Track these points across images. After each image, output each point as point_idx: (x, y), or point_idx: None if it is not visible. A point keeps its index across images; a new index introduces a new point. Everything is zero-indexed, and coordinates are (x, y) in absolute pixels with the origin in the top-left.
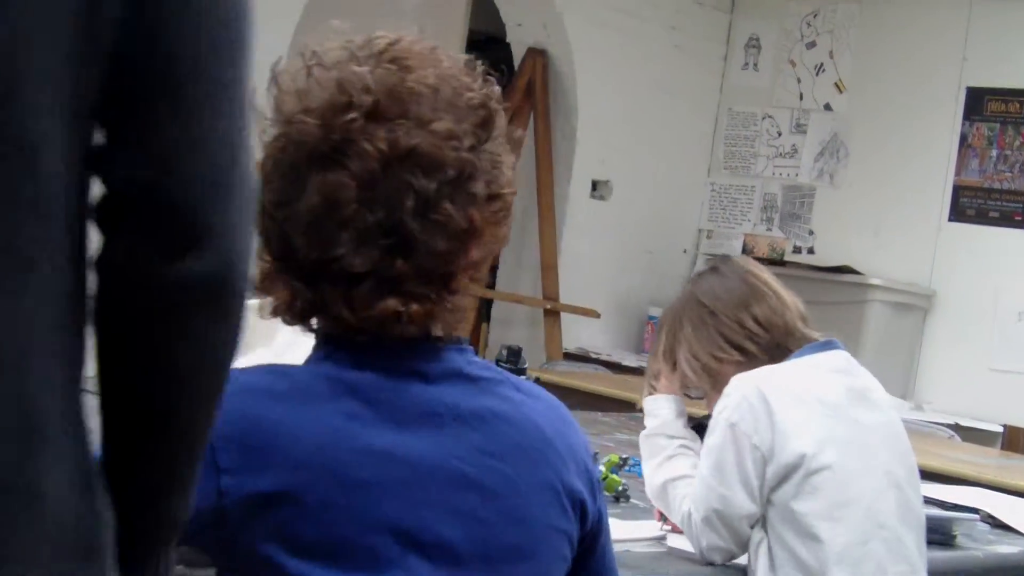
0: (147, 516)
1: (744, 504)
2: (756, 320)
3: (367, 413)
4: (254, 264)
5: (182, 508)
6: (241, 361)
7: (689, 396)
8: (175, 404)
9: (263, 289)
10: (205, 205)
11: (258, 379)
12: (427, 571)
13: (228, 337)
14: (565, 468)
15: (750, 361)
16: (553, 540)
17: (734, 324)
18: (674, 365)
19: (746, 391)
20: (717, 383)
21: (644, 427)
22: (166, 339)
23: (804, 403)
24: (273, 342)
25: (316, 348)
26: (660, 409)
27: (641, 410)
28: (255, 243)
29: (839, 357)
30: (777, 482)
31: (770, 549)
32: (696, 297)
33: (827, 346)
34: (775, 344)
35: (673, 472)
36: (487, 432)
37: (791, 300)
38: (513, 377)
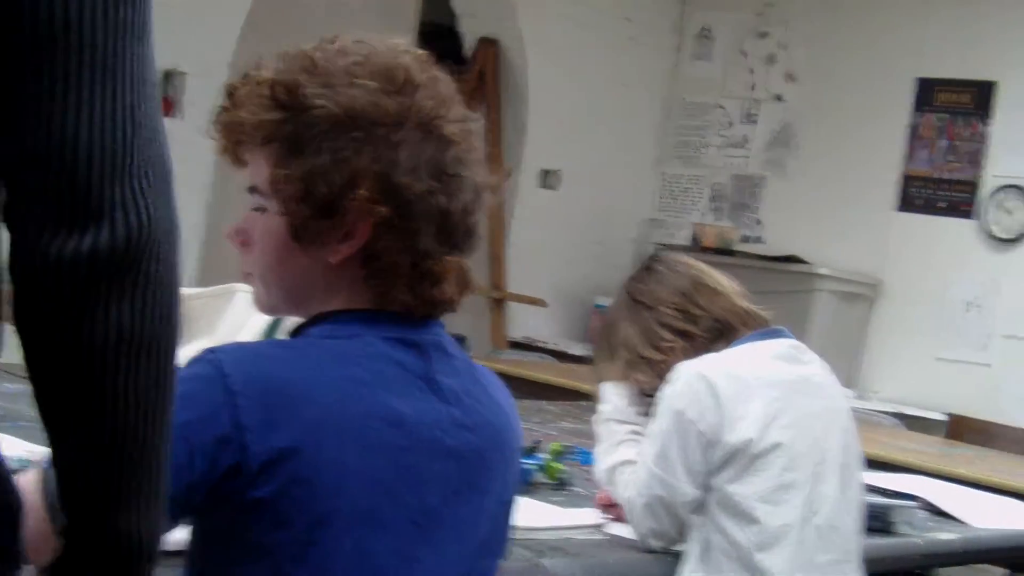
0: (99, 539)
1: (687, 491)
2: (695, 303)
3: (371, 380)
4: (172, 243)
5: (142, 532)
6: (184, 351)
7: (646, 395)
8: (92, 392)
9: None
10: (96, 179)
11: (270, 348)
12: (411, 534)
13: (139, 316)
14: (518, 446)
15: (695, 347)
16: (503, 512)
17: (673, 312)
18: (621, 371)
19: (690, 377)
20: (667, 375)
21: (591, 416)
22: (73, 320)
23: (749, 387)
24: (215, 332)
25: (311, 324)
26: (612, 395)
27: (595, 399)
28: (169, 219)
29: (784, 344)
30: (720, 467)
31: (705, 534)
32: (630, 296)
33: (773, 334)
34: (719, 324)
35: (620, 458)
36: (463, 407)
37: (727, 281)
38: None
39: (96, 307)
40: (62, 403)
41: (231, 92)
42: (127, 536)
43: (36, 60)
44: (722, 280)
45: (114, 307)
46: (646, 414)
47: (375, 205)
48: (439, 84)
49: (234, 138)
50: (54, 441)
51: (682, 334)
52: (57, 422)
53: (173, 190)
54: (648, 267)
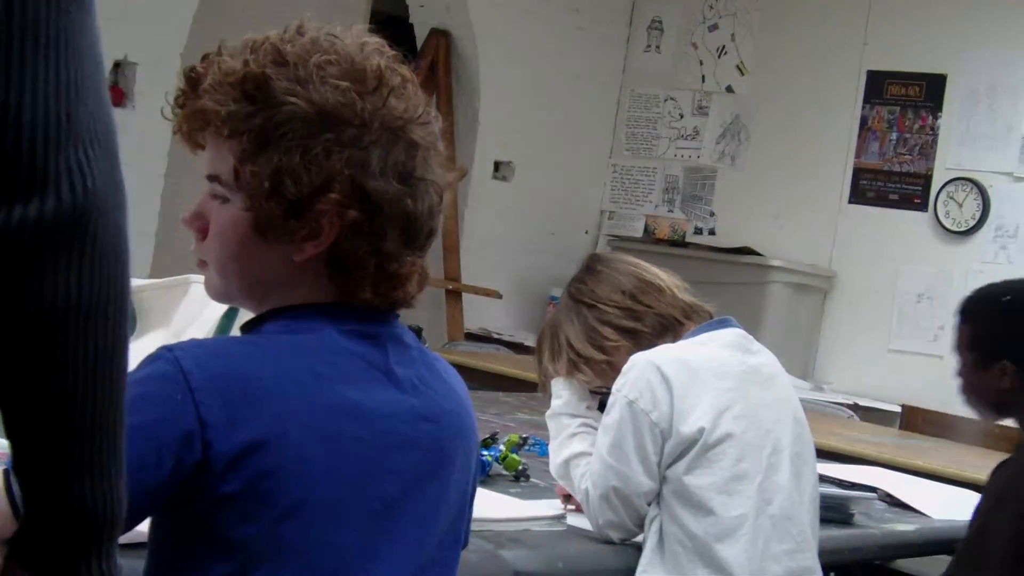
0: (56, 508)
1: (642, 481)
2: (638, 301)
3: (331, 373)
4: (118, 211)
5: (100, 501)
6: (139, 343)
7: (596, 394)
8: (42, 361)
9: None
10: (40, 150)
11: (228, 344)
12: (374, 526)
13: (87, 284)
14: (475, 435)
15: (641, 344)
16: (464, 500)
17: (616, 310)
18: (565, 371)
19: (644, 368)
20: (615, 373)
21: (547, 408)
22: (20, 288)
23: (701, 378)
24: (171, 324)
25: (267, 318)
26: (563, 390)
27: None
28: (114, 186)
29: (734, 334)
30: (675, 458)
31: (661, 525)
32: (572, 298)
33: (722, 324)
34: (663, 320)
35: (574, 451)
36: (422, 397)
37: (667, 276)
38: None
39: (43, 275)
40: (13, 373)
41: (193, 78)
42: (83, 503)
43: None
44: (663, 276)
45: (61, 275)
46: (599, 408)
47: (345, 208)
48: (408, 86)
49: (196, 126)
50: (7, 414)
51: (627, 332)
52: (9, 393)
53: (118, 159)
54: (589, 267)
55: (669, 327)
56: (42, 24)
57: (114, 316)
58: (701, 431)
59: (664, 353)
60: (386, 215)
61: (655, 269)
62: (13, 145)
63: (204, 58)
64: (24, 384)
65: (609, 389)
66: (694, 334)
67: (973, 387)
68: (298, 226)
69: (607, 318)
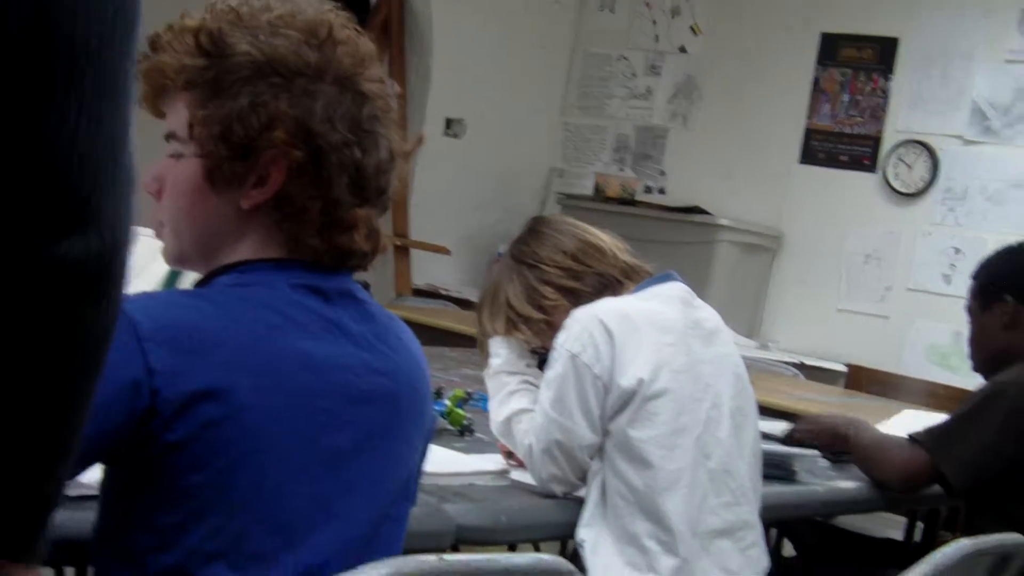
0: (30, 497)
1: (585, 435)
2: (579, 261)
3: (282, 324)
4: (131, 248)
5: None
6: None
7: (536, 353)
8: (41, 385)
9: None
10: (93, 189)
11: (177, 296)
12: (325, 478)
13: (103, 318)
14: (429, 393)
15: (580, 302)
16: (416, 457)
17: (557, 270)
18: (504, 330)
19: (587, 322)
20: (553, 332)
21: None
22: (42, 320)
23: (642, 331)
24: None
25: (217, 274)
26: (501, 348)
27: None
28: (133, 230)
29: (677, 287)
30: (616, 410)
31: (603, 479)
32: (514, 258)
33: (665, 278)
34: (603, 279)
35: (515, 407)
36: (375, 352)
37: (609, 237)
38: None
39: (76, 310)
40: (24, 398)
41: (154, 40)
42: (51, 494)
43: (64, 78)
44: (605, 238)
45: (90, 310)
46: (538, 366)
47: (290, 148)
48: (359, 43)
49: (155, 83)
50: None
51: (566, 291)
52: (27, 404)
53: (138, 201)
54: (532, 229)
55: (608, 286)
56: (112, 72)
57: (96, 355)
58: (640, 382)
59: (607, 307)
60: (332, 160)
61: (597, 231)
62: (75, 184)
63: (169, 27)
64: (36, 396)
65: (547, 349)
66: (638, 290)
67: (976, 337)
68: (245, 170)
69: (548, 278)
